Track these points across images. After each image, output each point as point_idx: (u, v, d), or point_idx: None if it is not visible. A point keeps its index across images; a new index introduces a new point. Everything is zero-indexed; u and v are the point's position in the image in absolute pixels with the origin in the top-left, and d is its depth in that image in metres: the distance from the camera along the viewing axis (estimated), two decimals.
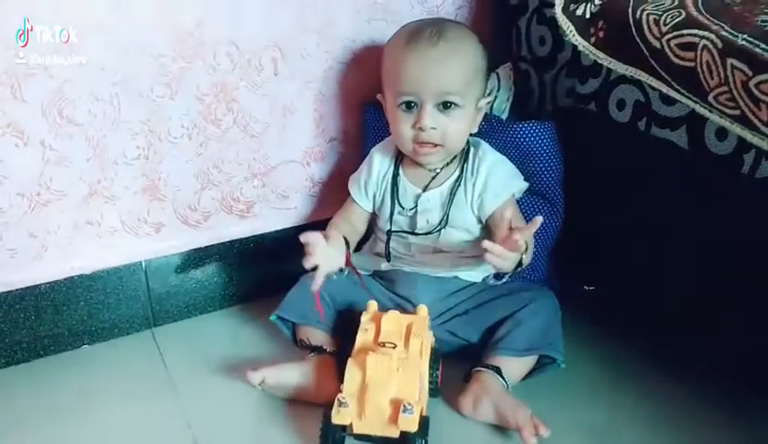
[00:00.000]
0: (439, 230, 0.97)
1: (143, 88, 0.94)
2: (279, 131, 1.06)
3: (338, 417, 0.76)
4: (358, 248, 1.07)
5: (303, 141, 1.09)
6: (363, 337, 0.84)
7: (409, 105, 0.92)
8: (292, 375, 0.88)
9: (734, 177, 0.78)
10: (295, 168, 1.10)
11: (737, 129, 0.74)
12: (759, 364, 0.87)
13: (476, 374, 0.88)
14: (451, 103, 0.90)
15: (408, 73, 0.90)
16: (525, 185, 0.99)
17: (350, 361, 0.81)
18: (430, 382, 0.85)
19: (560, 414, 0.85)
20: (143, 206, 1.01)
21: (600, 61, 0.88)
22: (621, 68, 0.86)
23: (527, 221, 1.01)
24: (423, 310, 0.89)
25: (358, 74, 1.09)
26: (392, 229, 0.99)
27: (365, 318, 0.87)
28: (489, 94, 1.00)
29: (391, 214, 0.99)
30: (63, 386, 0.95)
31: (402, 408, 0.75)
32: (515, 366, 0.89)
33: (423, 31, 0.90)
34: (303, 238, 0.85)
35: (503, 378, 0.87)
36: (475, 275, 1.00)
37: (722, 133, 0.79)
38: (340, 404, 0.76)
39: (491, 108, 1.05)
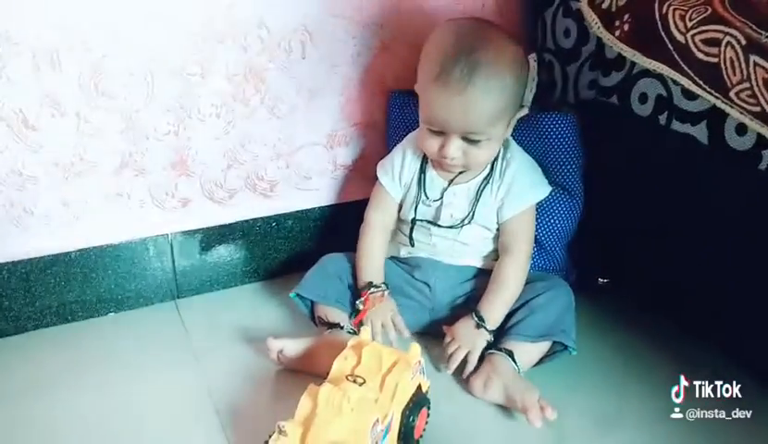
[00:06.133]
0: (462, 225, 0.99)
1: (176, 66, 0.97)
2: (305, 114, 1.08)
3: None
4: None
5: (328, 124, 1.11)
6: (340, 365, 0.78)
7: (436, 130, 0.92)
8: (310, 348, 0.91)
9: (752, 172, 0.79)
10: (319, 151, 1.12)
11: (756, 125, 0.75)
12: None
13: (488, 356, 0.90)
14: (477, 139, 0.90)
15: (434, 111, 0.89)
16: (546, 191, 1.00)
17: (308, 388, 0.75)
18: (403, 430, 0.77)
19: (570, 401, 0.87)
20: (172, 181, 1.03)
21: (624, 54, 0.90)
22: (645, 62, 0.87)
23: (547, 212, 1.03)
24: (415, 349, 0.81)
25: (385, 61, 1.11)
26: (416, 218, 1.00)
27: (349, 344, 0.82)
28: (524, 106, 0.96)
29: (417, 203, 1.00)
30: (88, 351, 0.98)
31: None
32: (528, 351, 0.91)
33: (454, 68, 0.85)
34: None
35: (515, 362, 0.89)
36: (492, 263, 1.02)
37: (741, 129, 0.80)
38: (280, 432, 0.71)
39: None
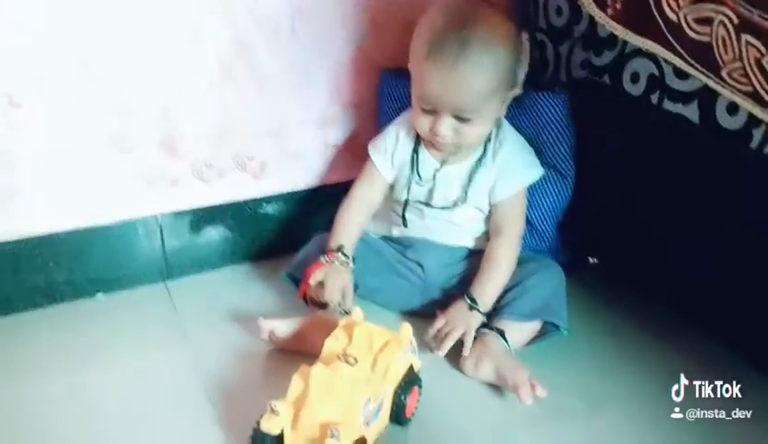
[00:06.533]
0: (455, 207, 0.98)
1: (164, 39, 0.95)
2: (296, 93, 1.07)
3: (266, 424, 0.71)
4: None
5: (319, 103, 1.10)
6: (331, 345, 0.79)
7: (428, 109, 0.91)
8: (301, 328, 0.91)
9: (742, 151, 0.79)
10: (310, 130, 1.11)
11: (748, 105, 0.75)
12: (755, 338, 0.89)
13: (480, 335, 0.91)
14: (468, 117, 0.89)
15: (426, 88, 0.88)
16: (539, 173, 0.99)
17: (300, 368, 0.75)
18: (394, 408, 0.79)
19: (561, 381, 0.87)
20: (160, 160, 1.02)
21: (616, 33, 0.89)
22: (637, 41, 0.87)
23: (538, 192, 1.03)
24: (407, 329, 0.82)
25: (377, 40, 1.10)
26: (409, 198, 1.00)
27: (340, 324, 0.82)
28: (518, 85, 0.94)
29: (409, 183, 1.00)
30: (78, 332, 0.97)
31: (329, 432, 0.68)
32: (519, 331, 0.92)
33: (446, 44, 0.84)
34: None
35: (506, 341, 0.89)
36: (485, 243, 1.02)
37: (733, 108, 0.80)
38: (272, 411, 0.71)
39: None
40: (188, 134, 1.02)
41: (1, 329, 0.97)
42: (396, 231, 1.04)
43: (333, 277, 0.93)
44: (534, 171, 0.99)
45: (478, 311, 0.92)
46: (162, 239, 1.07)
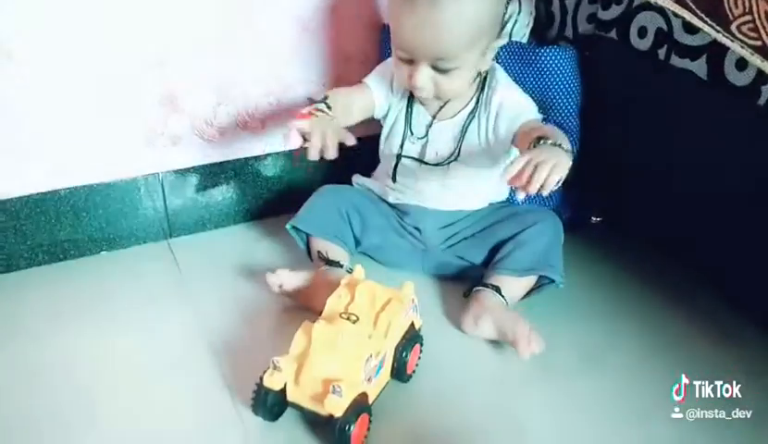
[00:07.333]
0: (449, 163, 0.97)
1: None
2: (296, 49, 1.06)
3: (269, 380, 0.72)
4: (367, 174, 1.09)
5: (320, 60, 1.09)
6: (333, 303, 0.79)
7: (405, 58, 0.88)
8: (307, 283, 0.91)
9: (750, 108, 0.78)
10: (311, 87, 1.10)
11: (757, 60, 0.73)
12: (755, 294, 0.89)
13: (476, 293, 0.91)
14: (447, 68, 0.86)
15: (402, 34, 0.85)
16: (539, 116, 0.97)
17: (302, 325, 0.76)
18: (396, 365, 0.80)
19: (559, 336, 0.88)
20: (161, 118, 1.01)
21: None
22: None
23: None
24: (408, 288, 0.82)
25: None
26: (402, 153, 0.99)
27: (343, 283, 0.82)
28: (504, 33, 0.92)
29: (403, 140, 0.99)
30: (81, 290, 0.98)
31: (331, 388, 0.69)
32: (515, 285, 0.92)
33: None
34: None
35: (503, 297, 0.90)
36: (480, 203, 1.01)
37: (741, 64, 0.79)
38: (275, 368, 0.72)
39: (510, 34, 1.04)
40: (188, 92, 1.01)
41: (3, 286, 0.98)
42: (392, 197, 1.03)
43: (322, 125, 0.84)
44: (535, 110, 0.96)
45: (564, 150, 0.78)
46: (164, 197, 1.07)
